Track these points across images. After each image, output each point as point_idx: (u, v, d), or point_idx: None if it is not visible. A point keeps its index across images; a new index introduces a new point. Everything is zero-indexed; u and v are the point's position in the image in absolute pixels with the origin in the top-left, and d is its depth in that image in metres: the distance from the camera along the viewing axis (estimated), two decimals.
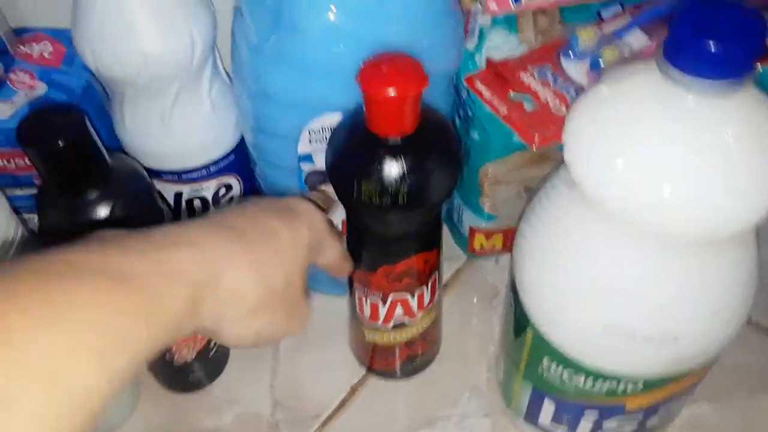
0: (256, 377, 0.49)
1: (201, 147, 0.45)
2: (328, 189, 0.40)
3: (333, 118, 0.38)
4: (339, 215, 0.41)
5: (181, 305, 0.25)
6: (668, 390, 0.35)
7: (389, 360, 0.46)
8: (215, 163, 0.46)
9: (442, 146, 0.34)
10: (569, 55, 0.40)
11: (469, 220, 0.51)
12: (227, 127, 0.46)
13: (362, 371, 0.48)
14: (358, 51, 0.33)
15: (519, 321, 0.37)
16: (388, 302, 0.40)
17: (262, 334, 0.31)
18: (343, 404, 0.47)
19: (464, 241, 0.53)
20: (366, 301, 0.41)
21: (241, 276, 0.29)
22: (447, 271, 0.53)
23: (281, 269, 0.30)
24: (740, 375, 0.46)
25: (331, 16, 0.35)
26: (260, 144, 0.43)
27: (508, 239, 0.51)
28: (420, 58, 0.31)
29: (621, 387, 0.34)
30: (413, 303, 0.40)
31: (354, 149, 0.34)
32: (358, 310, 0.42)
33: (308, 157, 0.41)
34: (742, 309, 0.32)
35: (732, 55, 0.24)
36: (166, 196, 0.48)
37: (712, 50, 0.24)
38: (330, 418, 0.47)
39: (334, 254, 0.36)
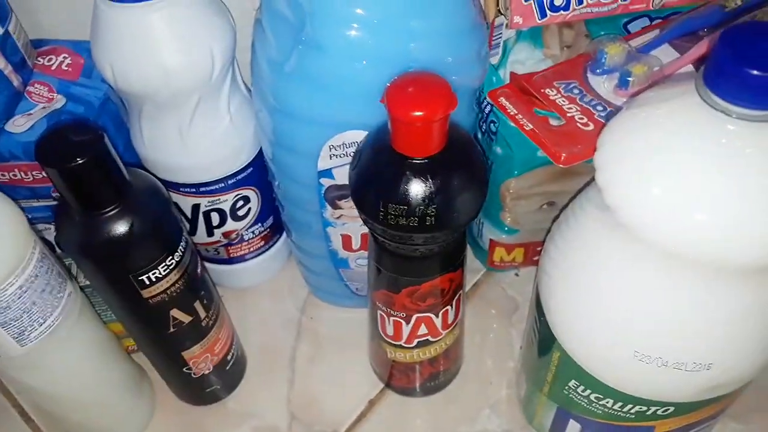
0: (272, 390, 0.48)
1: (219, 161, 0.45)
2: (349, 205, 0.39)
3: (354, 135, 0.38)
4: (360, 229, 0.40)
5: None
6: (700, 414, 0.34)
7: (410, 376, 0.45)
8: (233, 175, 0.46)
9: (469, 166, 0.34)
10: (596, 71, 0.39)
11: (489, 233, 0.50)
12: (246, 141, 0.45)
13: (380, 385, 0.48)
14: (381, 68, 0.33)
15: (544, 340, 0.36)
16: (412, 322, 0.39)
17: None
18: (360, 418, 0.47)
19: (484, 255, 0.52)
20: (388, 320, 0.40)
21: None
22: (465, 284, 0.53)
23: None
24: (766, 394, 0.45)
25: (354, 33, 0.34)
26: (279, 158, 0.42)
27: (529, 253, 0.51)
28: (444, 75, 0.31)
29: (651, 411, 0.33)
30: (438, 322, 0.40)
31: (379, 169, 0.33)
32: (380, 328, 0.42)
33: (328, 173, 0.40)
34: None
35: None
36: (183, 208, 0.47)
37: (755, 79, 0.23)
38: None
39: None
